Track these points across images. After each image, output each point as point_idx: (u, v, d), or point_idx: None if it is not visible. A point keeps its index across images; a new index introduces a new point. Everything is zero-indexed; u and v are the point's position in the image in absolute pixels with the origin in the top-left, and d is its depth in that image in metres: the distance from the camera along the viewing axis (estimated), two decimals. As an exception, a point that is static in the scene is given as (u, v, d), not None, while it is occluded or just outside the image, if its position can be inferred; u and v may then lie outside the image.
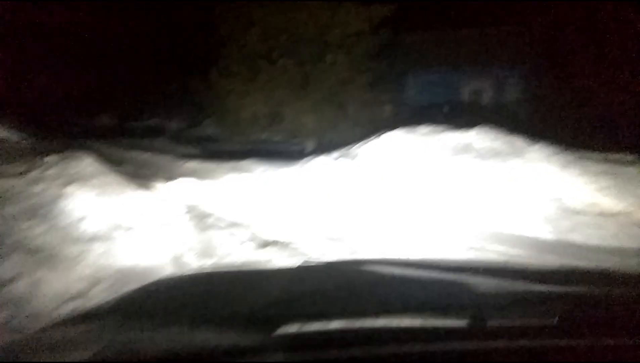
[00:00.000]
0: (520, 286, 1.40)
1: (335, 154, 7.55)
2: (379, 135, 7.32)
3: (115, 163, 5.95)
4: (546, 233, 4.97)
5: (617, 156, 6.06)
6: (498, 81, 12.73)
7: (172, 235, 4.56)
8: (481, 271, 1.56)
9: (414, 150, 6.72)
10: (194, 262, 4.07)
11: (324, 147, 9.51)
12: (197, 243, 4.46)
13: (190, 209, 5.41)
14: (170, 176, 6.44)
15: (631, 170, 5.57)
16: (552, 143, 6.14)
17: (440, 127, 7.06)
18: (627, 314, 1.08)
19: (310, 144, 10.48)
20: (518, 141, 6.32)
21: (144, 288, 1.45)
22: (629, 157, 5.99)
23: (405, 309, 1.09)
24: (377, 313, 1.04)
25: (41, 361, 0.94)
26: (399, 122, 7.83)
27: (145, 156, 8.46)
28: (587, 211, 5.20)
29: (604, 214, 5.13)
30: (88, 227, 4.19)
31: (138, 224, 4.44)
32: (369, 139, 7.41)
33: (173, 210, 5.19)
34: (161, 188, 5.88)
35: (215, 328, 0.98)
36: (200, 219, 5.08)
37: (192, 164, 7.83)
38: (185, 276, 1.49)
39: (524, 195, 5.49)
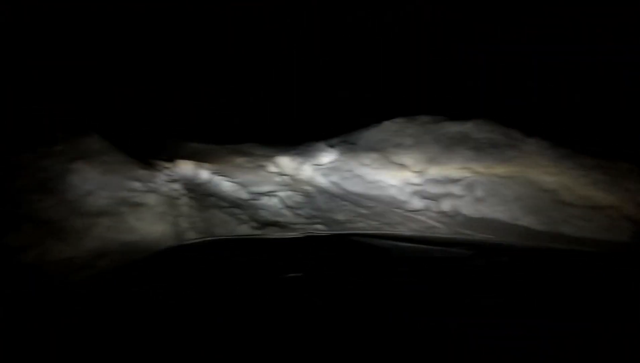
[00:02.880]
0: (506, 261, 1.53)
1: (335, 139, 7.67)
2: (380, 122, 7.43)
3: (121, 142, 6.07)
4: (537, 223, 5.12)
5: (609, 150, 6.18)
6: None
7: (175, 213, 4.72)
8: (463, 245, 1.71)
9: (412, 138, 6.84)
10: (195, 239, 4.23)
11: (325, 133, 9.61)
12: (199, 221, 4.62)
13: (192, 189, 5.56)
14: (173, 156, 6.56)
15: (623, 165, 5.70)
16: (547, 137, 6.25)
17: (439, 117, 7.16)
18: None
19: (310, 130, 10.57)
20: (514, 133, 6.43)
21: (149, 258, 1.58)
22: (621, 152, 6.11)
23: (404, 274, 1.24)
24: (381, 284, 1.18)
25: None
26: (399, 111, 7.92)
27: (150, 136, 8.57)
28: (579, 204, 5.34)
29: (595, 207, 5.27)
30: (94, 202, 4.34)
31: (142, 202, 4.58)
32: (369, 126, 7.52)
33: (176, 189, 5.34)
34: (165, 167, 6.01)
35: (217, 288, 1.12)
36: (202, 198, 5.23)
37: (193, 145, 7.94)
38: (191, 243, 1.62)
39: (518, 186, 5.63)
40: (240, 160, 7.04)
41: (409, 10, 10.19)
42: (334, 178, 6.37)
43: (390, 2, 10.66)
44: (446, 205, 5.45)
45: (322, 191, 5.99)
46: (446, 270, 1.34)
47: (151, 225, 4.27)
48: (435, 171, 6.15)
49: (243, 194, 5.45)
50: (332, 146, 7.21)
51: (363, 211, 5.29)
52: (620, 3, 8.02)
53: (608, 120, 7.55)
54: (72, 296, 1.30)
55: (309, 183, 6.29)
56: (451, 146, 6.46)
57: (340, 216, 5.07)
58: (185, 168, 6.14)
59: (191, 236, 4.25)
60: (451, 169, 6.09)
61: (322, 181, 6.35)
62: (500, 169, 5.96)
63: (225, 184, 5.70)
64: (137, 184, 4.81)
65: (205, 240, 1.70)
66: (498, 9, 9.31)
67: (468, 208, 5.41)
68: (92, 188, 4.52)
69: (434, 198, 5.63)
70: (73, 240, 3.81)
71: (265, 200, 5.27)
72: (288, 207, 5.19)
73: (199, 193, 5.41)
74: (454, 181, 5.88)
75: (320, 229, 4.61)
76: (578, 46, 8.24)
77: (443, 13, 9.92)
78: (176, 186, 5.42)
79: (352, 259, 1.35)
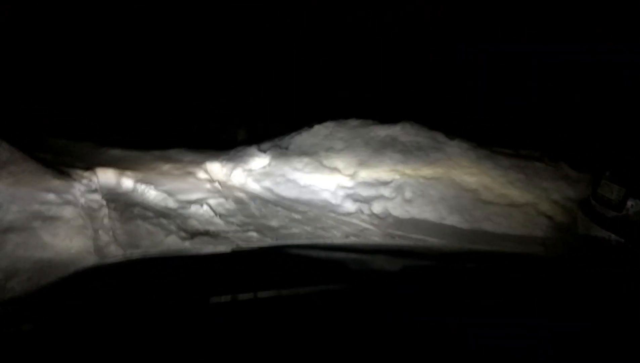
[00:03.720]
0: (436, 265, 1.55)
1: (266, 144, 7.58)
2: (311, 126, 7.45)
3: (33, 150, 5.59)
4: (462, 222, 5.36)
5: (525, 151, 6.63)
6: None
7: (95, 226, 4.40)
8: (395, 253, 1.72)
9: (343, 142, 6.92)
10: (118, 253, 3.97)
11: (255, 137, 9.49)
12: (122, 234, 4.34)
13: (114, 199, 5.23)
14: (92, 164, 6.16)
15: (538, 165, 6.12)
16: (467, 139, 6.58)
17: (368, 121, 7.31)
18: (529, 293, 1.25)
19: (241, 133, 10.39)
20: (438, 136, 6.71)
21: (65, 279, 1.44)
22: (536, 153, 6.57)
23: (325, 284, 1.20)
24: (297, 283, 1.14)
25: None
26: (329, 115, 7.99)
27: (65, 142, 8.00)
28: (499, 202, 5.66)
29: (513, 205, 5.62)
30: (3, 217, 3.94)
31: (58, 215, 4.23)
32: (300, 130, 7.51)
33: (95, 200, 4.99)
34: (82, 176, 5.61)
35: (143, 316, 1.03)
36: (125, 209, 4.93)
37: (115, 152, 7.51)
38: (111, 264, 1.49)
39: (443, 186, 5.86)
40: (166, 167, 6.75)
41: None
42: (267, 183, 6.29)
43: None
44: (377, 207, 5.56)
45: (255, 197, 5.88)
46: (384, 279, 1.33)
47: (68, 240, 3.94)
48: (366, 174, 6.27)
49: (170, 203, 5.21)
50: (263, 151, 7.12)
51: (297, 216, 5.25)
52: (620, 3, 8.22)
53: (529, 125, 8.03)
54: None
55: (240, 189, 6.16)
56: (380, 149, 6.61)
57: (273, 222, 5.00)
58: (106, 176, 5.78)
59: (113, 250, 3.98)
60: (381, 172, 6.23)
61: (254, 186, 6.24)
62: (427, 171, 6.18)
63: (151, 193, 5.42)
64: (51, 196, 4.44)
65: (126, 259, 1.56)
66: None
67: (398, 209, 5.55)
68: (0, 201, 4.10)
69: (366, 200, 5.72)
70: (-24, 261, 3.42)
71: (194, 209, 5.07)
72: (219, 215, 5.03)
73: (121, 204, 5.10)
74: (384, 183, 6.02)
75: (253, 236, 4.51)
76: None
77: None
78: (96, 196, 5.07)
79: (285, 276, 1.29)
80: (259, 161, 6.78)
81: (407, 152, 6.45)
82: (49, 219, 4.09)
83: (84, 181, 5.41)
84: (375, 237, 4.92)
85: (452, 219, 5.39)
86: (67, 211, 4.32)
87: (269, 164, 6.73)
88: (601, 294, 1.21)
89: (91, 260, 3.79)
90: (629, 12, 7.80)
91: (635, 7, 7.67)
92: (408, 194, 5.72)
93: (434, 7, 9.91)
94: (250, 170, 6.61)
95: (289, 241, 3.46)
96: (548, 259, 1.94)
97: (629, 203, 3.44)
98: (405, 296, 1.10)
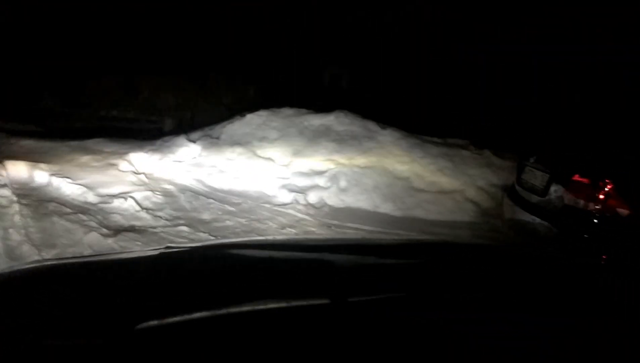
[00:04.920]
0: (374, 261, 1.50)
1: (196, 133, 7.27)
2: (243, 115, 7.23)
3: None
4: (395, 209, 5.46)
5: (452, 140, 6.88)
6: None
7: (4, 224, 3.98)
8: (341, 248, 1.65)
9: (277, 131, 6.79)
10: (32, 254, 3.60)
11: (183, 126, 9.10)
12: (35, 232, 3.95)
13: (26, 194, 4.76)
14: (2, 156, 5.57)
15: (465, 153, 6.37)
16: (398, 128, 6.71)
17: (302, 110, 7.23)
18: (466, 280, 1.24)
19: (168, 123, 9.90)
20: (371, 125, 6.78)
21: None
22: (463, 141, 6.84)
23: (270, 291, 1.10)
24: (242, 298, 1.03)
25: None
26: (262, 104, 7.81)
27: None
28: (429, 189, 5.83)
29: (442, 192, 5.81)
30: None
31: (-43, 213, 3.77)
32: (232, 119, 7.27)
33: (4, 196, 4.51)
34: (-13, 170, 5.05)
35: (62, 331, 0.88)
36: (39, 205, 4.50)
37: (28, 143, 6.85)
38: (22, 269, 1.29)
39: (377, 175, 5.94)
40: (85, 158, 6.26)
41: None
42: (198, 174, 6.02)
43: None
44: (313, 197, 5.51)
45: (184, 189, 5.60)
46: (332, 276, 1.25)
47: (-29, 242, 3.51)
48: (301, 164, 6.19)
49: (90, 198, 4.82)
50: (193, 141, 6.81)
51: (230, 208, 5.07)
52: (620, 3, 8.28)
53: (454, 115, 8.30)
54: None
55: (169, 181, 5.84)
56: (315, 138, 6.56)
57: (205, 216, 4.78)
58: (17, 169, 5.25)
59: (26, 251, 3.61)
60: (316, 162, 6.19)
61: (183, 178, 5.95)
62: (361, 160, 6.23)
63: (68, 187, 4.99)
64: (-52, 193, 3.94)
65: (39, 265, 1.36)
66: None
67: (333, 198, 5.54)
68: None
69: (301, 190, 5.65)
70: None
71: (117, 203, 4.73)
72: (145, 209, 4.73)
73: (34, 199, 4.65)
74: (319, 173, 5.98)
75: (184, 231, 4.28)
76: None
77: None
78: (4, 191, 4.59)
79: (225, 284, 1.17)
80: (189, 152, 6.47)
81: (342, 141, 6.45)
82: (-54, 219, 3.63)
83: (-11, 175, 4.88)
84: (312, 227, 4.87)
85: (386, 207, 5.47)
86: (-31, 210, 3.86)
87: (200, 155, 6.45)
88: (554, 286, 1.22)
89: (1, 263, 3.41)
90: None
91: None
92: (343, 183, 5.73)
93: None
94: (179, 161, 6.30)
95: (225, 240, 3.29)
96: (498, 248, 1.97)
97: (552, 188, 3.63)
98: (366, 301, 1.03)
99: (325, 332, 0.89)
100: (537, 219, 3.61)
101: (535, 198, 3.79)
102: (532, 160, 4.00)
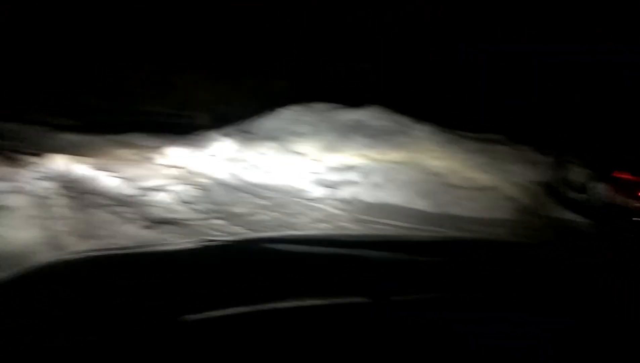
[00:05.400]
0: (410, 258, 1.47)
1: (230, 128, 7.35)
2: (276, 110, 7.26)
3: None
4: (429, 206, 5.37)
5: (488, 135, 6.70)
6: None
7: (48, 215, 4.12)
8: (377, 245, 1.62)
9: (310, 126, 6.79)
10: (74, 244, 3.72)
11: (217, 121, 9.21)
12: (77, 223, 4.08)
13: (68, 187, 4.92)
14: (45, 150, 5.78)
15: (501, 148, 6.21)
16: (433, 123, 6.59)
17: (334, 105, 7.20)
18: (499, 279, 1.20)
19: (202, 118, 10.05)
20: (405, 120, 6.69)
21: (17, 277, 1.26)
22: (499, 136, 6.66)
23: (310, 287, 1.09)
24: (282, 294, 1.02)
25: None
26: (294, 98, 7.82)
27: (16, 127, 7.45)
28: (465, 186, 5.71)
29: (478, 188, 5.68)
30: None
31: (6, 204, 3.93)
32: (265, 114, 7.31)
33: (47, 188, 4.68)
34: (34, 163, 5.26)
35: (105, 320, 0.89)
36: (80, 197, 4.64)
37: (69, 137, 7.08)
38: (66, 261, 1.31)
39: (411, 170, 5.86)
40: (123, 152, 6.42)
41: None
42: (231, 168, 6.09)
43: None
44: (345, 192, 5.49)
45: (219, 183, 5.67)
46: (379, 275, 1.23)
47: (17, 231, 3.66)
48: (333, 159, 6.17)
49: (128, 190, 4.94)
50: (227, 136, 6.89)
51: (263, 202, 5.10)
52: (620, 3, 8.30)
53: (492, 110, 8.12)
54: None
55: (203, 175, 5.92)
56: (347, 133, 6.53)
57: (239, 209, 4.83)
58: (59, 162, 5.44)
59: (68, 241, 3.73)
60: (348, 156, 6.16)
61: (217, 172, 6.02)
62: (394, 155, 6.16)
63: (108, 180, 5.13)
64: (0, 183, 4.12)
65: (86, 256, 1.38)
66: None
67: (366, 194, 5.50)
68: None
69: (333, 185, 5.64)
70: None
71: (154, 196, 4.83)
72: (182, 202, 4.81)
73: (76, 191, 4.80)
74: (351, 168, 5.95)
75: (219, 224, 4.33)
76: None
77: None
78: (47, 184, 4.76)
79: (265, 278, 1.16)
80: (223, 146, 6.55)
81: (374, 136, 6.40)
82: (-3, 209, 3.80)
83: (35, 167, 5.09)
84: (344, 222, 4.84)
85: (420, 204, 5.39)
86: (17, 200, 4.06)
87: (233, 149, 6.52)
88: (585, 289, 1.18)
89: (43, 252, 3.54)
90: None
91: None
92: (376, 178, 5.68)
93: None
94: (213, 155, 6.39)
95: (262, 234, 3.31)
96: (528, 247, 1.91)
97: (592, 184, 3.50)
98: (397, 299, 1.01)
99: (368, 331, 0.87)
100: (578, 217, 3.49)
101: (574, 195, 3.66)
102: (572, 157, 3.87)
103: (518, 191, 5.48)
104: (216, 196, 5.21)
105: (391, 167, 5.90)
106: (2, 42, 9.44)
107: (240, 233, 4.09)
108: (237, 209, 4.83)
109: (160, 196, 4.83)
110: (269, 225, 4.50)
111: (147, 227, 4.11)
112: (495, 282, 1.16)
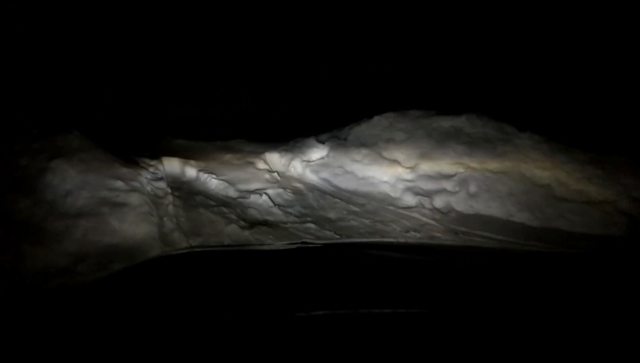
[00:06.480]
0: (507, 271, 1.40)
1: (325, 135, 7.52)
2: (370, 117, 7.29)
3: (101, 138, 5.85)
4: (532, 219, 5.03)
5: (602, 145, 6.10)
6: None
7: (160, 213, 4.53)
8: (473, 255, 1.57)
9: (404, 133, 6.71)
10: (181, 240, 4.05)
11: (314, 128, 9.45)
12: (185, 221, 4.43)
13: (178, 187, 5.37)
14: (157, 154, 6.37)
15: (617, 159, 5.62)
16: (540, 131, 6.16)
17: (430, 112, 7.04)
18: (612, 297, 1.10)
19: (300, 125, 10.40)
20: (507, 128, 6.33)
21: (131, 269, 1.42)
22: (615, 146, 6.03)
23: (407, 295, 1.09)
24: (379, 300, 1.04)
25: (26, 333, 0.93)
26: (390, 105, 7.78)
27: (132, 132, 8.35)
28: (574, 199, 5.26)
29: (590, 202, 5.19)
30: (74, 202, 4.13)
31: (125, 201, 4.38)
32: (359, 121, 7.37)
33: (161, 188, 5.15)
34: (149, 165, 5.81)
35: (207, 312, 0.97)
36: (189, 197, 5.05)
37: (180, 142, 7.75)
38: (174, 255, 1.46)
39: (512, 181, 5.53)
40: (228, 157, 6.86)
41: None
42: (325, 174, 6.22)
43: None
44: (439, 202, 5.33)
45: (313, 188, 5.83)
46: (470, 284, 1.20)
47: (134, 226, 4.07)
48: (427, 167, 6.03)
49: (231, 193, 5.27)
50: (322, 142, 7.06)
51: (355, 208, 5.14)
52: (620, 3, 7.88)
53: (608, 118, 7.46)
54: (49, 304, 1.15)
55: (299, 180, 6.13)
56: (443, 141, 6.34)
57: (331, 214, 4.92)
58: (171, 165, 5.95)
59: (176, 237, 4.07)
60: (444, 165, 5.98)
61: (312, 178, 6.20)
62: (494, 164, 5.85)
63: (213, 182, 5.52)
64: (119, 183, 4.61)
65: (191, 251, 1.52)
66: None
67: (461, 204, 5.30)
68: (71, 187, 4.31)
69: (427, 194, 5.51)
70: (51, 243, 3.61)
71: (254, 198, 5.09)
72: (278, 205, 5.02)
73: (185, 192, 5.22)
74: (446, 176, 5.77)
75: (311, 228, 4.45)
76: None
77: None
78: (161, 184, 5.23)
79: (364, 282, 1.19)
80: (317, 152, 6.72)
81: (473, 144, 6.14)
82: (117, 206, 4.25)
83: (151, 169, 5.60)
84: (437, 233, 4.71)
85: (522, 217, 5.06)
86: (134, 198, 4.47)
87: (327, 155, 6.66)
88: None
89: (155, 246, 3.89)
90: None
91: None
92: (473, 188, 5.44)
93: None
94: (308, 161, 6.58)
95: (356, 239, 3.35)
96: None
97: None
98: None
99: (465, 339, 0.86)
100: None
101: None
102: None
103: (636, 207, 4.92)
104: (309, 200, 5.35)
105: (490, 176, 5.61)
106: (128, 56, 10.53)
107: (330, 237, 4.17)
108: (328, 215, 4.92)
109: (259, 199, 5.09)
110: (359, 232, 4.52)
111: (246, 228, 4.35)
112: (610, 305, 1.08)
